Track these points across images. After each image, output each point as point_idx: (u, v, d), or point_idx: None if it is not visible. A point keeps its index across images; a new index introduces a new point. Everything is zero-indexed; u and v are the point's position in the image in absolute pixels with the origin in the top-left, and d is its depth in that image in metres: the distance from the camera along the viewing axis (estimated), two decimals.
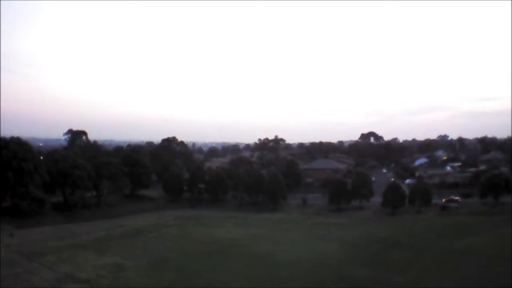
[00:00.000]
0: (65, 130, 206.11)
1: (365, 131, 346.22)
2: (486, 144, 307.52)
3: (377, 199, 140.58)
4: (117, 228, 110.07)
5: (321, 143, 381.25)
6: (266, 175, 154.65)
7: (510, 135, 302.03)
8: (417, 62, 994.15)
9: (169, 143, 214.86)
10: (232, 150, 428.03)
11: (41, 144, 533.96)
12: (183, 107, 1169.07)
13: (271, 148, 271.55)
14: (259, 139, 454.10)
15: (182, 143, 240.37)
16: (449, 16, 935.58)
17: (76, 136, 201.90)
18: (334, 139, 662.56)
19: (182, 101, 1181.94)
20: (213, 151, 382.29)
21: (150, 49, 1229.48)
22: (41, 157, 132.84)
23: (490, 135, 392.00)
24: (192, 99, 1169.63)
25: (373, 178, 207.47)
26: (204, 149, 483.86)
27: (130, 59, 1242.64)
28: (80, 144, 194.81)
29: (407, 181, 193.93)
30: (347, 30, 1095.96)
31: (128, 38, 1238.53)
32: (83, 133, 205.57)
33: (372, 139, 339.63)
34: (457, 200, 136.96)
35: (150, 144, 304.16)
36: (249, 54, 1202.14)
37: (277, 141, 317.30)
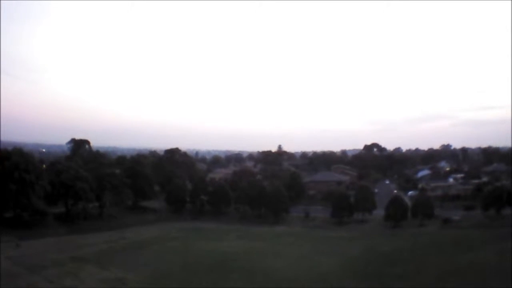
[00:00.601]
0: (69, 136, 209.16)
1: (368, 139, 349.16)
2: (489, 154, 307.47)
3: (379, 212, 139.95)
4: (120, 241, 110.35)
5: (324, 154, 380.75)
6: (269, 187, 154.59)
7: (511, 145, 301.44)
8: (420, 71, 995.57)
9: (172, 154, 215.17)
10: (235, 159, 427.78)
11: (44, 150, 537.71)
12: (187, 115, 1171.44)
13: (274, 160, 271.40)
14: (263, 151, 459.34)
15: (185, 154, 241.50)
16: (451, 25, 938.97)
17: (78, 145, 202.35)
18: (337, 148, 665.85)
19: (186, 109, 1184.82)
20: (216, 160, 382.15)
21: (154, 55, 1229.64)
22: (44, 166, 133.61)
23: (493, 144, 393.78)
24: (196, 107, 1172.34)
25: (376, 190, 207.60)
26: (208, 157, 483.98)
27: (134, 66, 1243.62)
28: (83, 154, 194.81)
29: (410, 193, 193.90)
30: (351, 39, 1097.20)
31: (132, 44, 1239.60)
32: (86, 142, 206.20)
33: (375, 150, 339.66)
34: None
35: (153, 153, 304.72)
36: (253, 62, 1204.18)
37: (280, 153, 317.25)
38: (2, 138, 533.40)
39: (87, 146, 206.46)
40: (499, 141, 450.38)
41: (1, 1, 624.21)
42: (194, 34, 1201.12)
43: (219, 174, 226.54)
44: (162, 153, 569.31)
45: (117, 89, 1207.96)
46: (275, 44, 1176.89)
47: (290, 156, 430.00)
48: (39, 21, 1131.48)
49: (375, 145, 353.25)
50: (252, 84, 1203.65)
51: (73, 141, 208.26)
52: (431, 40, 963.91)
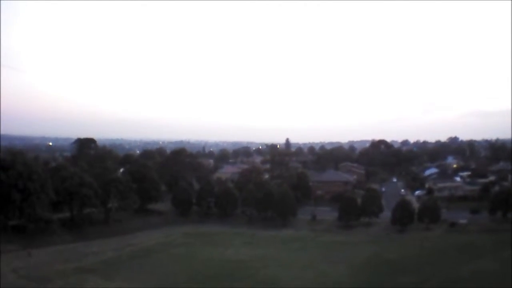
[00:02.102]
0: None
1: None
2: (495, 150, 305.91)
3: (386, 214, 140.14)
4: (126, 248, 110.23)
5: (331, 150, 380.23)
6: (276, 190, 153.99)
7: None
8: (426, 62, 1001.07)
9: (179, 154, 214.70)
10: (243, 153, 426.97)
11: (50, 144, 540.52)
12: (195, 107, 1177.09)
13: (281, 158, 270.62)
14: (271, 145, 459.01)
15: (191, 154, 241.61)
16: (456, 18, 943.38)
17: (84, 144, 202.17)
18: (344, 139, 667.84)
19: (194, 101, 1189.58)
20: (224, 155, 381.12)
21: (162, 48, 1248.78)
22: (50, 165, 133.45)
23: (500, 136, 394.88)
24: (205, 99, 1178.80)
25: (383, 189, 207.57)
26: (215, 150, 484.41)
27: (142, 58, 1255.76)
28: (89, 153, 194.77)
29: (417, 192, 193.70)
30: (359, 31, 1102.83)
31: (140, 37, 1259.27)
32: (91, 141, 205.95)
33: (382, 147, 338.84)
34: None
35: (160, 151, 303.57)
36: (261, 55, 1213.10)
37: (288, 152, 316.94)
38: (10, 132, 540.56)
39: (92, 145, 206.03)
40: (507, 132, 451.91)
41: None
42: (204, 27, 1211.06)
43: (225, 174, 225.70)
44: (170, 145, 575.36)
45: (125, 82, 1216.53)
46: (283, 38, 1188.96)
47: (297, 151, 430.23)
48: (46, 15, 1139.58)
49: (382, 141, 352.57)
50: (260, 76, 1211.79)
51: (79, 140, 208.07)
52: (436, 32, 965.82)
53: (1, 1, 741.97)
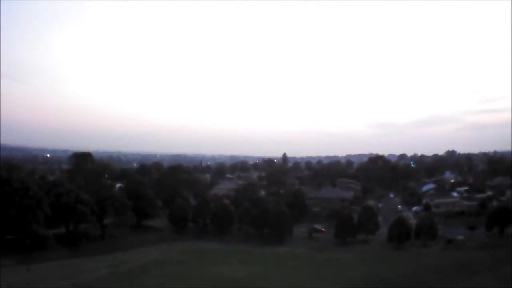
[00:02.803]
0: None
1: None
2: (493, 164, 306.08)
3: (383, 230, 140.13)
4: (121, 265, 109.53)
5: (328, 165, 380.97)
6: (272, 207, 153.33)
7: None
8: (425, 74, 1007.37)
9: (175, 171, 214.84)
10: (240, 167, 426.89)
11: (48, 156, 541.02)
12: (193, 120, 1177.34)
13: (278, 175, 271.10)
14: (268, 160, 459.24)
15: (187, 169, 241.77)
16: (454, 29, 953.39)
17: (80, 159, 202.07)
18: (342, 153, 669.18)
19: (192, 114, 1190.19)
20: (221, 170, 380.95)
21: (159, 60, 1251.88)
22: (47, 177, 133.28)
23: (498, 149, 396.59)
24: (202, 112, 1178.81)
25: (380, 205, 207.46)
26: (213, 164, 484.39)
27: (139, 71, 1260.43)
28: (85, 168, 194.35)
29: (414, 208, 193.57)
30: (356, 44, 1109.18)
31: (137, 49, 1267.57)
32: (88, 155, 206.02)
33: (380, 163, 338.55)
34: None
35: (157, 165, 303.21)
36: (259, 69, 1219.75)
37: (284, 171, 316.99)
38: (9, 143, 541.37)
39: (89, 159, 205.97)
40: (504, 144, 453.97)
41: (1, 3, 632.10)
42: (199, 39, 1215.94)
43: (222, 190, 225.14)
44: (167, 158, 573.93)
45: (122, 94, 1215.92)
46: (281, 49, 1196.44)
47: (294, 166, 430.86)
48: (46, 28, 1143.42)
49: (379, 157, 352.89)
50: (258, 89, 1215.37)
51: (75, 155, 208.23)
52: (433, 43, 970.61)
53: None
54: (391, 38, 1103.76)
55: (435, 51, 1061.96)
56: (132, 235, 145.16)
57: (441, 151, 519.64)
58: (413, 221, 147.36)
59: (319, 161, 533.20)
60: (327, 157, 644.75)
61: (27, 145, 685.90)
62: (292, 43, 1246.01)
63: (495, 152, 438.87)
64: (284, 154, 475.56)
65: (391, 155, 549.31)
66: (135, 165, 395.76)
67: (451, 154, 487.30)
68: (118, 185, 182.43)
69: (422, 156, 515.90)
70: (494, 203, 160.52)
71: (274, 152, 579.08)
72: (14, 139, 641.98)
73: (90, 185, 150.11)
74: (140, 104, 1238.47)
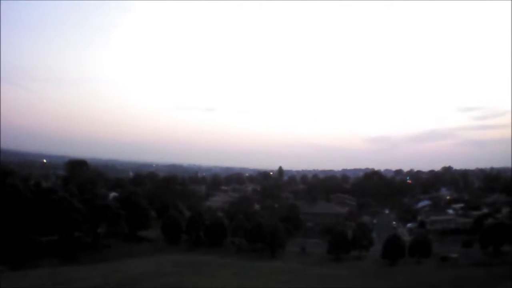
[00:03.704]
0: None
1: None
2: (490, 181, 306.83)
3: (377, 247, 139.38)
4: (113, 275, 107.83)
5: (324, 180, 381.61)
6: (266, 221, 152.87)
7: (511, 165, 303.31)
8: (421, 90, 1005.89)
9: (169, 182, 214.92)
10: (236, 180, 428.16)
11: (45, 161, 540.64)
12: (188, 130, 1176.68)
13: (273, 189, 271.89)
14: (263, 172, 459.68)
15: (182, 182, 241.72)
16: (450, 39, 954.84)
17: (75, 167, 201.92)
18: (338, 167, 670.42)
19: (187, 124, 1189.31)
20: (217, 182, 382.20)
21: (157, 66, 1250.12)
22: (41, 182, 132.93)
23: (494, 165, 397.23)
24: (198, 122, 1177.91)
25: (375, 221, 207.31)
26: (208, 175, 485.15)
27: (135, 77, 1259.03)
28: (80, 176, 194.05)
29: (409, 225, 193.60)
30: (353, 56, 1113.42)
31: (134, 54, 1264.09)
32: (83, 163, 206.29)
33: (375, 178, 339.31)
34: None
35: (152, 175, 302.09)
36: (257, 80, 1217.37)
37: (279, 186, 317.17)
38: (6, 147, 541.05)
39: (84, 167, 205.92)
40: (500, 161, 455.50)
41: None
42: (196, 45, 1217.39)
43: (217, 202, 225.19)
44: (163, 168, 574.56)
45: (119, 101, 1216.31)
46: (277, 62, 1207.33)
47: (290, 179, 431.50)
48: (44, 33, 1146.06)
49: (375, 173, 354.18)
50: (255, 101, 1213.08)
51: (70, 163, 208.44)
52: (432, 58, 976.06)
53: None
54: (388, 53, 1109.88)
55: (432, 66, 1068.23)
56: (125, 245, 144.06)
57: (437, 167, 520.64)
58: (407, 237, 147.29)
59: (315, 175, 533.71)
60: (323, 171, 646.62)
61: (25, 150, 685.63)
62: (289, 56, 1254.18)
63: (492, 169, 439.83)
64: (280, 167, 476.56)
65: (387, 170, 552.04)
66: (131, 173, 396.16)
67: (447, 170, 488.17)
68: (112, 194, 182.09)
69: (419, 172, 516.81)
70: (490, 221, 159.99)
71: (270, 164, 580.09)
72: (12, 143, 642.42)
73: (84, 193, 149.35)
74: (137, 112, 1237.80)
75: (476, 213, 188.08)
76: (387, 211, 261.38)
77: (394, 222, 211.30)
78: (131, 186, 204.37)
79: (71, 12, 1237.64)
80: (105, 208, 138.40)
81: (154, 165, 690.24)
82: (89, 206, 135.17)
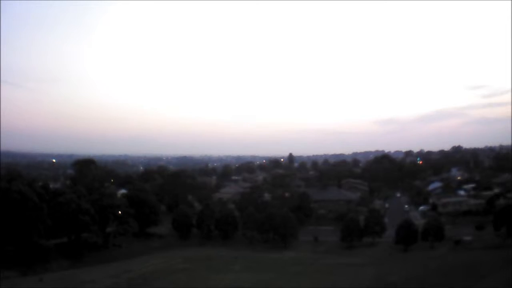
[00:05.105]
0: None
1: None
2: (500, 160, 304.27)
3: (390, 232, 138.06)
4: (124, 275, 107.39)
5: (334, 165, 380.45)
6: (277, 212, 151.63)
7: None
8: (429, 69, 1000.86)
9: (179, 177, 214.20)
10: (246, 169, 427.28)
11: (54, 161, 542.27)
12: (198, 121, 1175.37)
13: (283, 178, 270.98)
14: (274, 160, 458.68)
15: (192, 175, 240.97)
16: (456, 22, 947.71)
17: (83, 166, 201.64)
18: (348, 150, 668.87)
19: (197, 115, 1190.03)
20: (227, 172, 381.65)
21: (164, 59, 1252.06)
22: (48, 186, 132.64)
23: (504, 142, 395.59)
24: (207, 112, 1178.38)
25: (387, 205, 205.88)
26: (218, 166, 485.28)
27: (143, 71, 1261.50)
28: (88, 176, 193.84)
29: (421, 208, 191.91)
30: (361, 41, 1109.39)
31: (141, 49, 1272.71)
32: (91, 162, 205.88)
33: (386, 162, 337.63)
34: None
35: (162, 169, 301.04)
36: (264, 68, 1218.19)
37: (289, 174, 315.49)
38: (13, 149, 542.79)
39: (92, 166, 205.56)
40: (509, 138, 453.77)
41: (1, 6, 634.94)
42: (203, 38, 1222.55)
43: (227, 194, 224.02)
44: (173, 160, 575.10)
45: (127, 97, 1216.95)
46: (286, 48, 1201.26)
47: (300, 165, 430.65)
48: (46, 32, 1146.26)
49: (385, 156, 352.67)
50: (264, 89, 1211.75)
51: (78, 162, 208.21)
52: (438, 39, 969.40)
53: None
54: (395, 34, 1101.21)
55: (438, 46, 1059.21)
56: (136, 243, 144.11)
57: (447, 147, 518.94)
58: (420, 221, 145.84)
59: (325, 160, 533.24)
60: (334, 155, 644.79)
61: (32, 151, 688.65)
62: (296, 42, 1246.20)
63: (501, 146, 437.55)
64: (290, 154, 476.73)
65: (397, 151, 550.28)
66: (141, 168, 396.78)
67: (457, 149, 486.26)
68: (122, 191, 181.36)
69: (429, 152, 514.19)
70: (502, 201, 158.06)
71: (281, 151, 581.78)
72: (19, 145, 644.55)
73: (92, 192, 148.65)
74: (145, 106, 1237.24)
75: (487, 193, 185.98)
76: (398, 195, 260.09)
77: (406, 206, 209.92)
78: (140, 182, 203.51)
79: (71, 12, 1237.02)
80: (113, 207, 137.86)
81: (164, 158, 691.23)
82: (97, 206, 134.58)
